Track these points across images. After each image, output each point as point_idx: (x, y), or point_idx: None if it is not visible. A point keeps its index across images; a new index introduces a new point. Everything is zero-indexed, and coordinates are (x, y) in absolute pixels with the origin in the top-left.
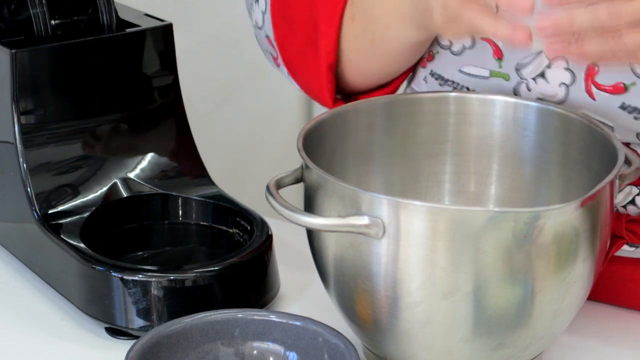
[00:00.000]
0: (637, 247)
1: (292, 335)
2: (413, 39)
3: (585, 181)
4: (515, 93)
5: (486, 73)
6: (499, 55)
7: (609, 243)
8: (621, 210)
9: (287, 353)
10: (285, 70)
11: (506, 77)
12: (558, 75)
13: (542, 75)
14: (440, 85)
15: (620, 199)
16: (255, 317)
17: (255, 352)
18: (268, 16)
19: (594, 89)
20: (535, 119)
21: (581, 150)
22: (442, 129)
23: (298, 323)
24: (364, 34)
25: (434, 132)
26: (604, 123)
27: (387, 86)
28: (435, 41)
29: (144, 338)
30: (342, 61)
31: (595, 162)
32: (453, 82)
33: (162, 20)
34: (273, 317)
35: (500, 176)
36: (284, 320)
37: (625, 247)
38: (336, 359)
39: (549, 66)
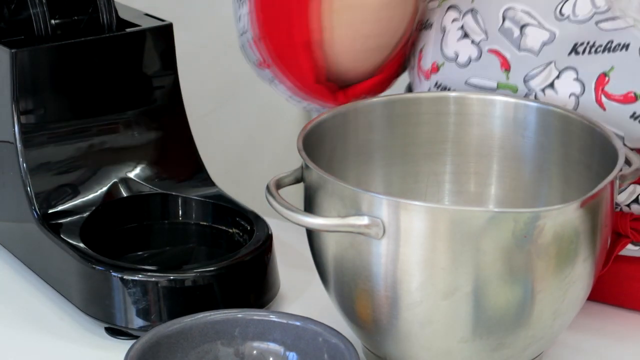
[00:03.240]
0: None
1: (292, 335)
2: None
3: (586, 181)
4: None
5: (493, 85)
6: (506, 67)
7: (609, 242)
8: (625, 209)
9: (287, 353)
10: (268, 73)
11: (514, 89)
12: (567, 86)
13: (551, 86)
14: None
15: (624, 198)
16: (255, 317)
17: (255, 352)
18: (253, 15)
19: (604, 99)
20: (535, 119)
21: (581, 150)
22: (442, 129)
23: (298, 323)
24: (344, 6)
25: (434, 132)
26: (616, 134)
27: (379, 74)
28: (440, 52)
29: (144, 338)
30: (328, 43)
31: (595, 162)
32: None
33: (162, 20)
34: (273, 317)
35: (500, 176)
36: (284, 320)
37: (629, 246)
38: (336, 359)
39: (558, 77)
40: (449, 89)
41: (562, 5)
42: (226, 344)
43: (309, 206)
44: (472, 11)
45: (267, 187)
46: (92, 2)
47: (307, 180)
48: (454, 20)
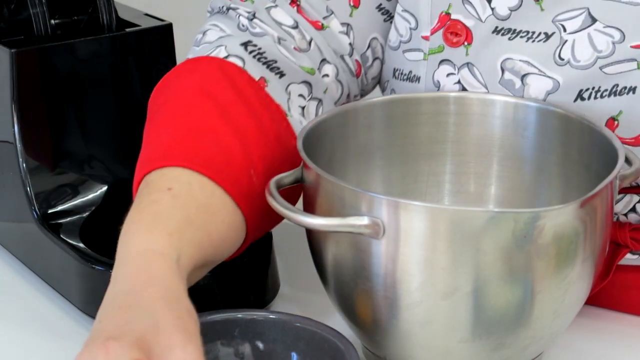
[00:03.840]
0: None
1: (292, 335)
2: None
3: (585, 181)
4: None
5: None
6: None
7: (608, 252)
8: (622, 218)
9: (287, 353)
10: None
11: None
12: None
13: None
14: None
15: (621, 207)
16: (255, 317)
17: (255, 352)
18: None
19: None
20: (535, 119)
21: (581, 150)
22: (442, 129)
23: (298, 323)
24: None
25: (434, 132)
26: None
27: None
28: None
29: None
30: None
31: (595, 163)
32: None
33: (162, 20)
34: (273, 317)
35: (500, 176)
36: (284, 320)
37: (628, 255)
38: (336, 359)
39: None
40: None
41: (560, 50)
42: (226, 344)
43: (309, 206)
44: (469, 65)
45: (267, 187)
46: (92, 2)
47: (307, 180)
48: (449, 75)
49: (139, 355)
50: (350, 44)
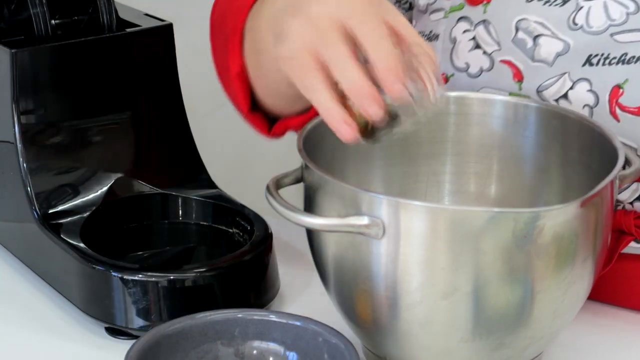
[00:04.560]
0: None
1: (292, 335)
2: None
3: (585, 181)
4: None
5: (505, 95)
6: (519, 77)
7: (611, 239)
8: (627, 207)
9: (287, 353)
10: None
11: None
12: (581, 97)
13: (564, 96)
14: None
15: (627, 195)
16: (255, 317)
17: (255, 352)
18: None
19: (618, 111)
20: (535, 119)
21: (581, 150)
22: (442, 129)
23: (298, 323)
24: (253, 48)
25: (434, 132)
26: (629, 146)
27: (306, 114)
28: (450, 63)
29: (144, 338)
30: (249, 74)
31: (595, 162)
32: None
33: (162, 20)
34: (273, 317)
35: (500, 176)
36: (284, 320)
37: (632, 244)
38: (336, 359)
39: (572, 88)
40: None
41: (575, 15)
42: (226, 344)
43: (309, 206)
44: (485, 22)
45: (267, 187)
46: (92, 2)
47: (307, 180)
48: (465, 31)
49: None
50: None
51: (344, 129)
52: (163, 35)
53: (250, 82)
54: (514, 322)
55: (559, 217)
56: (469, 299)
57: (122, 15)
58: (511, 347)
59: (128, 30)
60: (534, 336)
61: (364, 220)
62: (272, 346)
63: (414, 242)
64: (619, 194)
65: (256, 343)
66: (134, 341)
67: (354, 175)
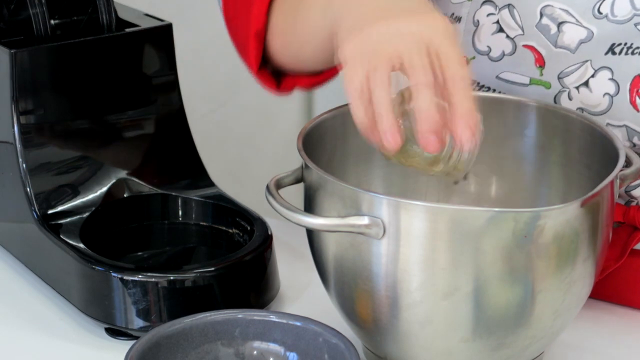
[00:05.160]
0: None
1: (292, 335)
2: (323, 32)
3: (586, 181)
4: (556, 101)
5: (526, 80)
6: (541, 63)
7: (611, 237)
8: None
9: (287, 353)
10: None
11: (547, 85)
12: (602, 85)
13: (585, 84)
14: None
15: None
16: (255, 317)
17: (255, 352)
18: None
19: (638, 101)
20: (535, 119)
21: (581, 150)
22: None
23: (298, 323)
24: (291, 12)
25: None
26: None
27: (317, 75)
28: (472, 46)
29: (144, 338)
30: (270, 32)
31: (595, 162)
32: (489, 88)
33: (162, 20)
34: (273, 317)
35: (500, 176)
36: (284, 321)
37: None
38: (336, 359)
39: (593, 76)
40: (478, 84)
41: (600, 4)
42: (226, 344)
43: (309, 206)
44: (509, 6)
45: (267, 187)
46: (91, 2)
47: (307, 180)
48: (489, 15)
49: None
50: None
51: (389, 137)
52: (163, 35)
53: (266, 40)
54: (515, 322)
55: (560, 217)
56: (469, 299)
57: (121, 15)
58: (512, 347)
59: (128, 30)
60: (535, 336)
61: (364, 220)
62: (273, 346)
63: (414, 242)
64: (633, 190)
65: (256, 343)
66: (133, 342)
67: (354, 175)
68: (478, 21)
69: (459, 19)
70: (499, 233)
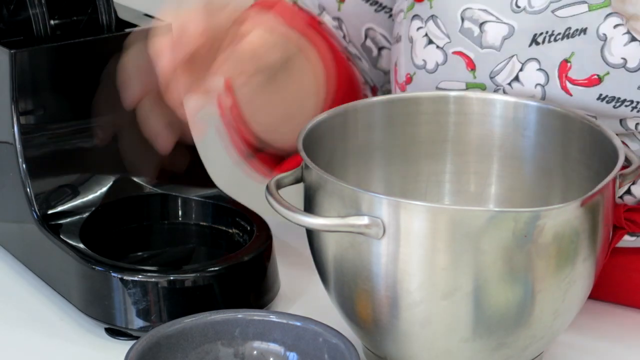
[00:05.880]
0: (637, 235)
1: (292, 335)
2: None
3: (586, 181)
4: None
5: (462, 86)
6: (472, 66)
7: (611, 236)
8: (617, 200)
9: (287, 353)
10: None
11: (482, 87)
12: (532, 77)
13: (516, 79)
14: None
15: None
16: (255, 317)
17: (255, 352)
18: None
19: (569, 85)
20: (535, 119)
21: (581, 150)
22: (442, 129)
23: (298, 323)
24: None
25: (434, 132)
26: (588, 117)
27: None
28: (411, 62)
29: (144, 338)
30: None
31: (595, 162)
32: None
33: (162, 21)
34: (273, 318)
35: (500, 176)
36: (284, 321)
37: (625, 237)
38: (336, 359)
39: (521, 69)
40: None
41: None
42: (226, 344)
43: (309, 206)
44: (433, 17)
45: (267, 187)
46: (91, 2)
47: (307, 180)
48: (418, 29)
49: None
50: (344, 36)
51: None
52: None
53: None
54: (515, 322)
55: (560, 217)
56: (469, 299)
57: (121, 15)
58: (512, 347)
59: (127, 30)
60: (535, 336)
61: (364, 220)
62: (273, 346)
63: (414, 242)
64: None
65: (256, 343)
66: (133, 342)
67: (354, 175)
68: (412, 37)
69: (400, 38)
70: (499, 233)
